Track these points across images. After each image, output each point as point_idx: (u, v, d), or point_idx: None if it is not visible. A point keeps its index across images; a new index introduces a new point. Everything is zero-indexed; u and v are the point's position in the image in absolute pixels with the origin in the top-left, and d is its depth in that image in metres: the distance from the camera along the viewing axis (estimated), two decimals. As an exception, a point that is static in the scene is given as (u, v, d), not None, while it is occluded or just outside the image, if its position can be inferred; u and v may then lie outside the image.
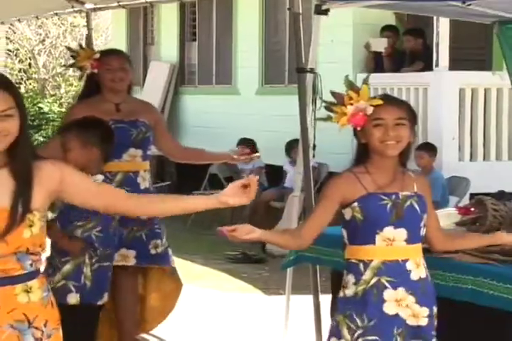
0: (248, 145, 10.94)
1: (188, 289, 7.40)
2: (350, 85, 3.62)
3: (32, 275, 3.05)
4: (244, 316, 6.86)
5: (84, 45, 6.11)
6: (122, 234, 5.31)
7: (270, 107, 11.85)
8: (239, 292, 7.70)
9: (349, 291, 3.58)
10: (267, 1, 12.56)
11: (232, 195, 3.04)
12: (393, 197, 3.59)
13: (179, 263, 7.82)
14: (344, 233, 3.66)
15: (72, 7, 8.16)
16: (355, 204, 3.57)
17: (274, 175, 11.15)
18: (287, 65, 12.24)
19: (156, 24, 15.38)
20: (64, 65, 16.49)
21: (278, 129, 11.14)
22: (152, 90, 14.47)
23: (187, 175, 12.80)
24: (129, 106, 5.53)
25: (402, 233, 3.58)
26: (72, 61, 5.82)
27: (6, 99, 2.94)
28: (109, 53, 5.67)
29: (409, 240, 3.60)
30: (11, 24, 17.82)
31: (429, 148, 9.13)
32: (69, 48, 6.07)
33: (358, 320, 3.53)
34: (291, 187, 9.32)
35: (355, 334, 3.51)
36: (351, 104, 3.55)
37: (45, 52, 21.27)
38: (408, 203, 3.60)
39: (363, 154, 3.66)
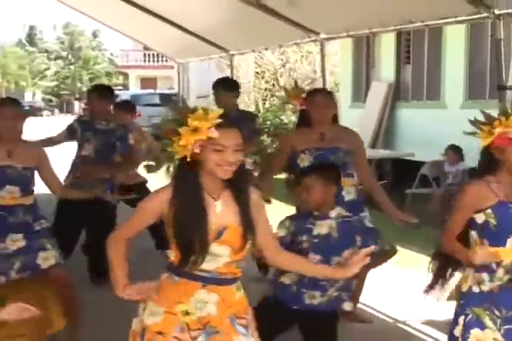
0: (456, 151, 10.74)
1: (407, 273, 7.33)
2: (505, 113, 3.52)
3: (239, 276, 3.16)
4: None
5: (298, 84, 6.04)
6: None
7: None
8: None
9: (485, 287, 3.45)
10: (472, 29, 12.26)
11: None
12: None
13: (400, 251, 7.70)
14: (475, 235, 3.53)
15: (309, 37, 8.28)
16: (489, 210, 3.44)
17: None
18: (488, 83, 11.92)
19: (376, 50, 15.33)
20: (281, 102, 16.58)
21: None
22: (373, 105, 14.45)
23: (401, 175, 12.68)
24: (333, 135, 5.47)
25: None
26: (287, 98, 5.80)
27: (239, 136, 3.02)
28: (315, 94, 5.59)
29: None
30: (259, 52, 18.25)
31: None
32: (284, 89, 6.07)
33: (497, 312, 3.43)
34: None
35: (497, 324, 3.41)
36: (501, 127, 3.47)
37: (285, 74, 21.63)
38: None
39: (493, 166, 3.52)
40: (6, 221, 4.89)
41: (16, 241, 4.88)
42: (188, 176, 3.01)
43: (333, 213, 4.26)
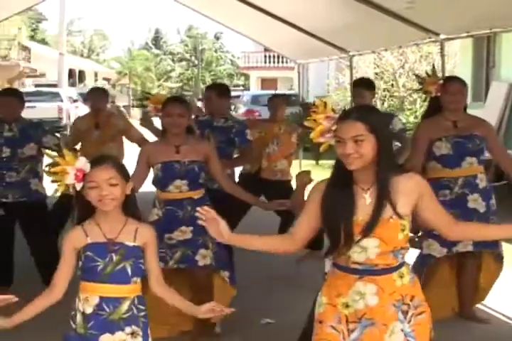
0: None
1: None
2: None
3: (402, 264, 3.14)
4: None
5: (436, 70, 6.08)
6: None
7: None
8: None
9: None
10: None
11: None
12: None
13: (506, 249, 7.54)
14: None
15: (429, 38, 8.19)
16: None
17: None
18: None
19: (497, 50, 14.97)
20: (412, 90, 16.62)
21: None
22: (493, 105, 14.12)
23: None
24: (465, 123, 5.44)
25: None
26: (419, 86, 5.86)
27: (357, 127, 3.00)
28: (451, 80, 5.59)
29: None
30: (378, 53, 18.11)
31: None
32: (417, 76, 6.11)
33: None
34: None
35: None
36: None
37: (404, 74, 21.38)
38: None
39: None
40: (174, 215, 5.00)
41: (184, 233, 4.98)
42: (342, 168, 3.05)
43: None
